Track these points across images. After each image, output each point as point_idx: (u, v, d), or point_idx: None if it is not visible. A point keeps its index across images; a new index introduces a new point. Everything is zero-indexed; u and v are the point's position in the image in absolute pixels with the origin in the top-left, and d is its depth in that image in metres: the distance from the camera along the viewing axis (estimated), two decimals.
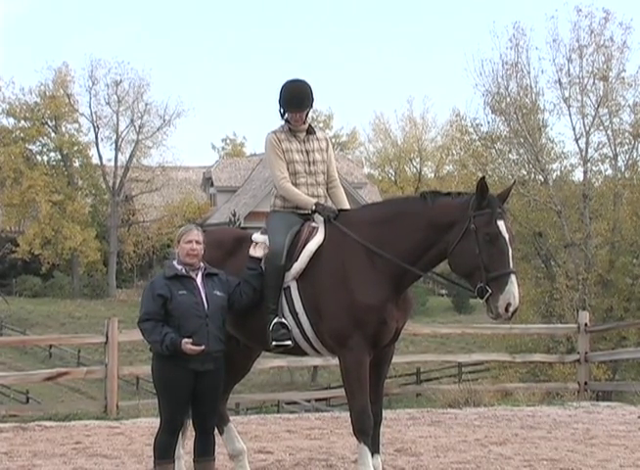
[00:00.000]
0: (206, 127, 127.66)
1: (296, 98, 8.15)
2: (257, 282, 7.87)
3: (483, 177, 7.53)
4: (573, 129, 43.03)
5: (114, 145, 68.48)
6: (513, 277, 7.28)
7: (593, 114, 42.73)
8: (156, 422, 7.84)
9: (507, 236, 7.39)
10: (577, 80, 42.64)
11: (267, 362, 15.53)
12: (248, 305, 7.85)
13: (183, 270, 7.60)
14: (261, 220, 8.66)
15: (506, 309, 7.25)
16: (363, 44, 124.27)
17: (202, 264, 7.68)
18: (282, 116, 8.27)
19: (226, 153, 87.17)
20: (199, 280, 7.62)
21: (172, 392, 7.46)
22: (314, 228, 8.03)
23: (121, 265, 66.81)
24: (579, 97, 42.70)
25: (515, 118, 42.49)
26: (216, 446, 7.78)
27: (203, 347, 7.34)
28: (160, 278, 7.62)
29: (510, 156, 43.96)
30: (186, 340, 7.31)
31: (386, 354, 7.98)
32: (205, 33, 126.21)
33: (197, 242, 7.64)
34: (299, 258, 7.84)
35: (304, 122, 8.28)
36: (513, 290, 7.24)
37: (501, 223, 7.39)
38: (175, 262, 7.67)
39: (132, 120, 68.22)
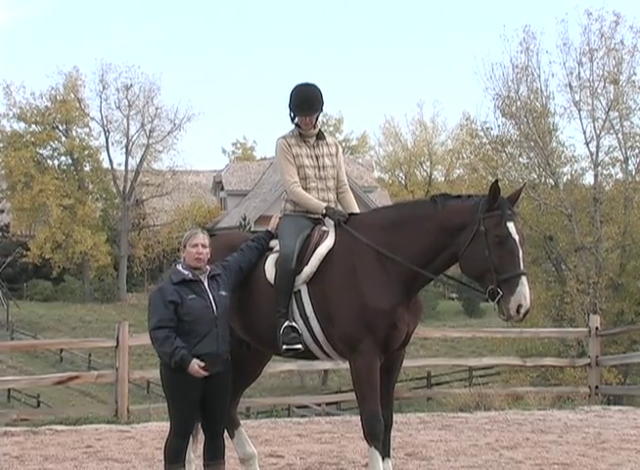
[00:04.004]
0: (217, 131, 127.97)
1: (306, 102, 8.16)
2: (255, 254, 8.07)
3: (497, 180, 7.52)
4: (584, 133, 43.09)
5: (124, 149, 68.62)
6: (524, 278, 7.27)
7: (604, 117, 42.72)
8: (166, 426, 7.85)
9: (517, 238, 7.38)
10: (588, 84, 42.64)
11: (278, 366, 15.52)
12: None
13: (190, 275, 7.60)
14: None
15: (517, 311, 7.25)
16: (373, 48, 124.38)
17: (207, 267, 7.69)
18: (292, 119, 8.28)
19: (236, 157, 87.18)
20: (205, 283, 7.63)
21: (182, 395, 7.46)
22: (325, 232, 8.03)
23: (132, 269, 66.81)
24: (590, 100, 42.70)
25: (525, 122, 42.51)
26: (227, 450, 7.78)
27: (207, 373, 7.34)
28: (169, 284, 7.59)
29: (520, 159, 43.98)
30: (196, 361, 7.31)
31: (396, 358, 7.97)
32: (215, 37, 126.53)
33: (203, 245, 7.63)
34: (310, 262, 7.83)
35: (315, 126, 8.29)
36: (524, 291, 7.23)
37: (511, 225, 7.38)
38: (181, 267, 7.67)
39: (143, 125, 68.32)
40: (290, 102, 8.22)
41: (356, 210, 8.37)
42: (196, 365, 7.30)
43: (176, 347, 7.33)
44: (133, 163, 68.57)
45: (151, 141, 68.33)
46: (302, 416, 17.19)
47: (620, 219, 41.39)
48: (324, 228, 8.09)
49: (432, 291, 58.30)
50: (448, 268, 7.85)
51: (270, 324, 7.89)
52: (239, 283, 7.94)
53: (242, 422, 8.77)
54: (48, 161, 68.48)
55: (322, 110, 8.27)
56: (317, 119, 8.28)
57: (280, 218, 8.30)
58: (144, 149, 68.32)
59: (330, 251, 7.85)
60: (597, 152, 42.92)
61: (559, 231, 41.20)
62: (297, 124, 8.28)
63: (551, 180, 42.73)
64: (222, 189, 69.76)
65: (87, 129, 69.21)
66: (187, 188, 69.48)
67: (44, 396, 39.58)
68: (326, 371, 42.87)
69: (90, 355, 46.62)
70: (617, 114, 42.70)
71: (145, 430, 12.54)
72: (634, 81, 42.93)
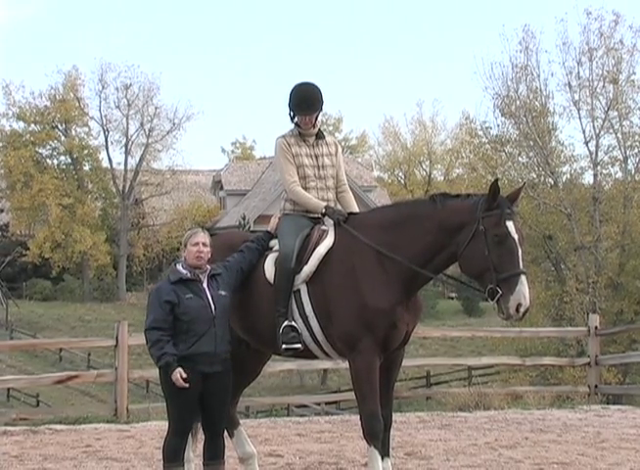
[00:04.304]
0: (216, 131, 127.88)
1: (305, 101, 8.17)
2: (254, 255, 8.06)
3: (496, 180, 7.52)
4: (583, 132, 43.07)
5: (123, 148, 68.58)
6: (523, 277, 7.28)
7: (603, 117, 42.71)
8: (165, 425, 7.84)
9: (516, 237, 7.38)
10: (587, 83, 42.62)
11: (277, 366, 15.52)
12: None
13: (188, 274, 7.60)
14: None
15: (517, 310, 7.25)
16: (373, 47, 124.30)
17: (207, 267, 7.69)
18: (292, 119, 8.28)
19: (236, 156, 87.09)
20: (204, 282, 7.63)
21: (181, 395, 7.45)
22: (324, 231, 8.03)
23: (131, 269, 66.77)
24: (589, 100, 42.68)
25: (524, 121, 42.49)
26: (226, 450, 7.78)
27: (187, 385, 7.33)
28: (166, 283, 7.60)
29: (520, 159, 43.96)
30: (179, 370, 7.31)
31: (396, 358, 7.97)
32: (215, 37, 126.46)
33: (203, 244, 7.64)
34: (309, 262, 7.83)
35: (314, 126, 8.29)
36: (523, 290, 7.23)
37: (510, 224, 7.39)
38: (180, 266, 7.67)
39: (142, 124, 68.27)
40: (289, 101, 8.23)
41: (356, 209, 8.38)
42: (177, 374, 7.31)
43: (163, 352, 7.35)
44: (132, 162, 68.60)
45: (150, 140, 68.31)
46: (302, 416, 17.19)
47: (620, 219, 41.38)
48: (323, 227, 8.09)
49: (431, 290, 58.23)
50: (448, 268, 7.85)
51: (270, 323, 7.89)
52: (239, 284, 7.94)
53: (241, 421, 8.77)
54: (47, 160, 68.44)
55: (322, 109, 8.28)
56: (317, 119, 8.28)
57: (279, 219, 8.30)
58: (143, 148, 68.31)
59: (329, 250, 7.85)
60: (596, 151, 42.91)
61: (558, 230, 41.19)
62: (296, 124, 8.28)
63: (550, 179, 42.72)
64: (222, 188, 69.71)
65: (86, 129, 69.26)
66: (186, 187, 69.41)
67: (43, 395, 39.56)
68: (325, 371, 42.87)
69: (89, 355, 46.57)
70: (616, 113, 42.69)
71: (144, 429, 12.54)
72: (633, 81, 42.93)
